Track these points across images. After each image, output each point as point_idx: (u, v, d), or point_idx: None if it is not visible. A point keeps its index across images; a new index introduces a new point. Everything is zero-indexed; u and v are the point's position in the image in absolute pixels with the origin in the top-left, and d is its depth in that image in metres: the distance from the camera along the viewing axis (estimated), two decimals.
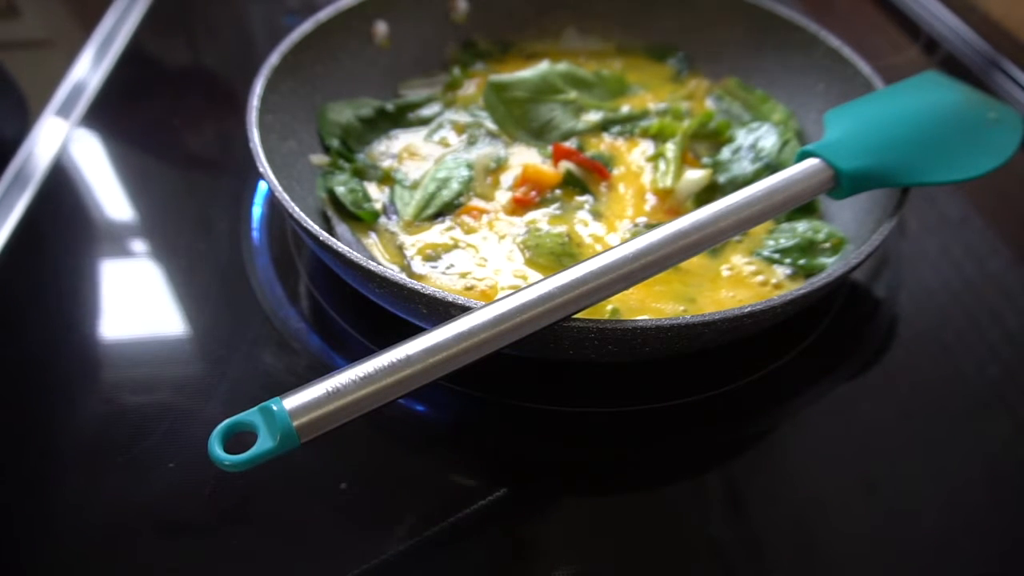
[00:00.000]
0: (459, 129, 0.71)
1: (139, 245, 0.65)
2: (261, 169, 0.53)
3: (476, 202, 0.64)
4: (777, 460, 0.52)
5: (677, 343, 0.47)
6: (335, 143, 0.67)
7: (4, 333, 0.56)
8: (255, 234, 0.64)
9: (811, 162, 0.52)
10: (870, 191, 0.54)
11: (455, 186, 0.64)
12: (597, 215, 0.63)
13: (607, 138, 0.71)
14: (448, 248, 0.60)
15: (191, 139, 0.78)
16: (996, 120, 0.59)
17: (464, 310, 0.43)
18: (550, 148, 0.68)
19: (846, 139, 0.55)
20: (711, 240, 0.47)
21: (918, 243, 0.67)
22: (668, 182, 0.64)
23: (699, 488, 0.49)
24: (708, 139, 0.70)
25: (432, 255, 0.59)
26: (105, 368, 0.55)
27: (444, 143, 0.70)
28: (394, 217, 0.62)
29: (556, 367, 0.54)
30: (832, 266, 0.58)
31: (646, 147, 0.70)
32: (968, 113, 0.59)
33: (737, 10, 0.77)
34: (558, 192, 0.64)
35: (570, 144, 0.69)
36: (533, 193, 0.64)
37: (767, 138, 0.67)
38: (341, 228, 0.61)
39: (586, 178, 0.65)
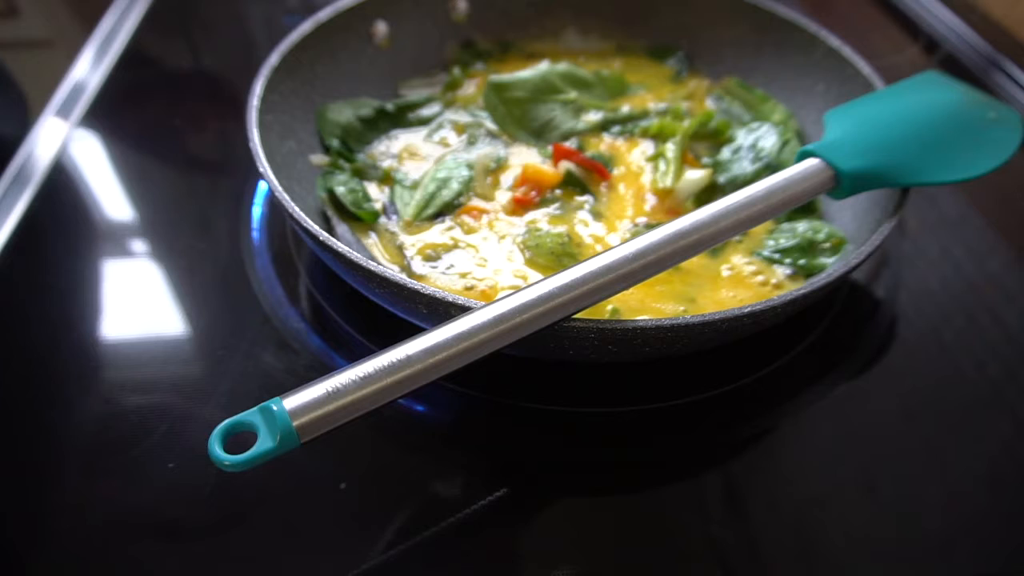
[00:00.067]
0: (459, 129, 0.71)
1: (139, 245, 0.65)
2: (261, 169, 0.53)
3: (476, 202, 0.64)
4: (777, 460, 0.52)
5: (677, 343, 0.47)
6: (335, 143, 0.67)
7: (4, 333, 0.56)
8: (255, 234, 0.64)
9: (811, 162, 0.52)
10: (870, 191, 0.54)
11: (455, 186, 0.64)
12: (597, 215, 0.63)
13: (607, 138, 0.71)
14: (448, 248, 0.60)
15: (191, 139, 0.78)
16: (996, 120, 0.59)
17: (464, 310, 0.43)
18: (550, 148, 0.68)
19: (846, 139, 0.55)
20: (711, 240, 0.47)
21: (918, 243, 0.67)
22: (668, 182, 0.64)
23: (699, 488, 0.49)
24: (708, 139, 0.70)
25: (432, 255, 0.59)
26: (105, 368, 0.55)
27: (444, 143, 0.70)
28: (394, 217, 0.62)
29: (556, 367, 0.54)
30: (832, 266, 0.58)
31: (646, 147, 0.70)
32: (968, 113, 0.59)
33: (737, 10, 0.77)
34: (558, 192, 0.64)
35: (570, 144, 0.69)
36: (533, 193, 0.64)
37: (767, 138, 0.67)
38: (341, 228, 0.61)
39: (586, 178, 0.65)
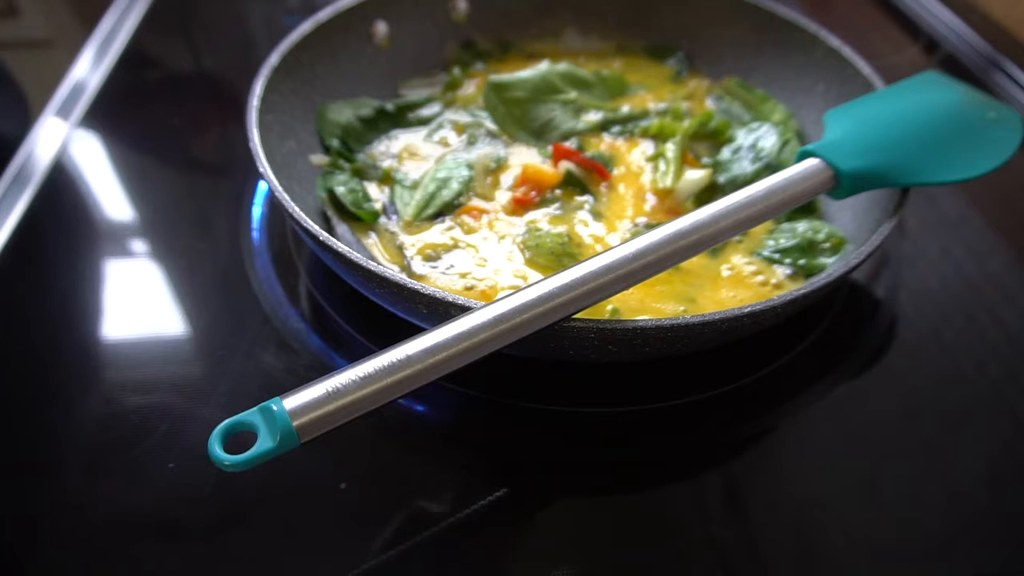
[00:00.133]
0: (459, 129, 0.71)
1: (139, 245, 0.65)
2: (261, 169, 0.53)
3: (476, 202, 0.64)
4: (777, 460, 0.52)
5: (677, 343, 0.47)
6: (335, 143, 0.67)
7: (4, 333, 0.56)
8: (255, 234, 0.64)
9: (811, 162, 0.52)
10: (870, 191, 0.54)
11: (455, 186, 0.64)
12: (597, 215, 0.63)
13: (607, 138, 0.71)
14: (448, 248, 0.60)
15: (191, 139, 0.78)
16: (996, 120, 0.59)
17: (464, 310, 0.43)
18: (550, 148, 0.68)
19: (846, 139, 0.55)
20: (711, 240, 0.47)
21: (918, 243, 0.67)
22: (668, 182, 0.64)
23: (699, 488, 0.49)
24: (708, 139, 0.70)
25: (432, 255, 0.59)
26: (105, 368, 0.55)
27: (444, 143, 0.70)
28: (394, 217, 0.62)
29: (556, 367, 0.54)
30: (832, 266, 0.58)
31: (646, 147, 0.70)
32: (968, 113, 0.59)
33: (737, 10, 0.77)
34: (558, 192, 0.64)
35: (570, 144, 0.69)
36: (533, 193, 0.64)
37: (767, 138, 0.67)
38: (341, 228, 0.61)
39: (586, 178, 0.65)
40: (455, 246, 0.60)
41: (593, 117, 0.72)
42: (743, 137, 0.69)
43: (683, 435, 0.52)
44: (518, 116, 0.70)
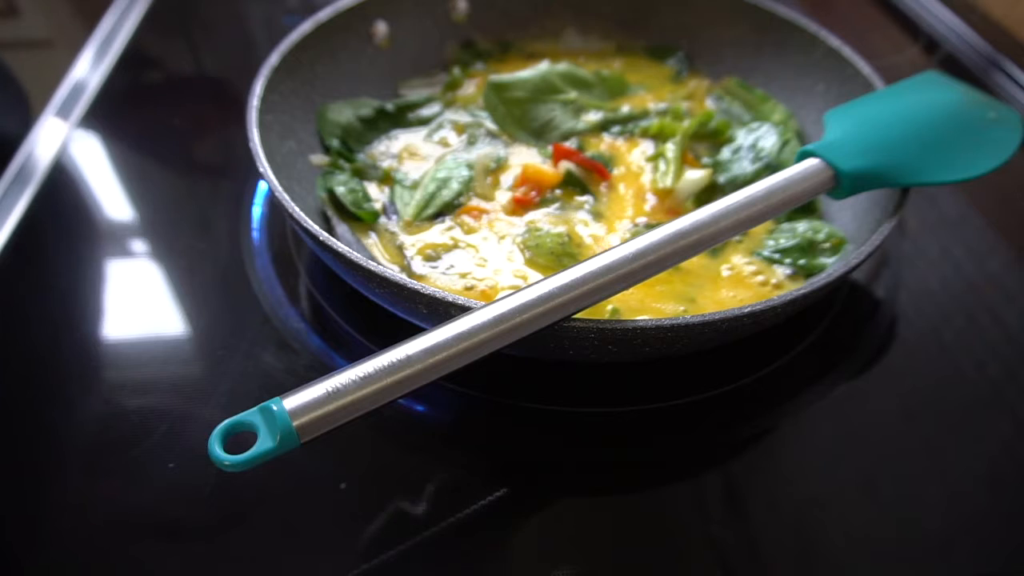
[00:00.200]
0: (459, 129, 0.71)
1: (139, 245, 0.65)
2: (261, 169, 0.53)
3: (476, 202, 0.64)
4: (777, 460, 0.52)
5: (677, 343, 0.47)
6: (335, 143, 0.67)
7: (4, 333, 0.56)
8: (255, 234, 0.64)
9: (811, 162, 0.52)
10: (870, 191, 0.54)
11: (455, 186, 0.64)
12: (597, 215, 0.63)
13: (607, 138, 0.71)
14: (448, 248, 0.60)
15: (191, 139, 0.78)
16: (996, 120, 0.59)
17: (464, 310, 0.43)
18: (550, 148, 0.68)
19: (846, 139, 0.55)
20: (711, 240, 0.47)
21: (918, 243, 0.67)
22: (668, 182, 0.64)
23: (699, 488, 0.49)
24: (708, 139, 0.70)
25: (432, 255, 0.59)
26: (105, 368, 0.55)
27: (444, 143, 0.70)
28: (394, 217, 0.62)
29: (556, 367, 0.54)
30: (832, 266, 0.58)
31: (646, 147, 0.70)
32: (968, 113, 0.59)
33: (737, 10, 0.77)
34: (558, 192, 0.64)
35: (570, 144, 0.69)
36: (533, 193, 0.64)
37: (767, 138, 0.67)
38: (341, 228, 0.61)
39: (586, 178, 0.65)
40: (455, 246, 0.60)
41: (593, 117, 0.72)
42: (743, 137, 0.69)
43: (683, 435, 0.52)
44: (518, 116, 0.70)
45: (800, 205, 0.52)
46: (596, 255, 0.45)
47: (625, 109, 0.73)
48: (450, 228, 0.61)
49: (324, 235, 0.48)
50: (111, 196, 0.69)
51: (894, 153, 0.54)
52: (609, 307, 0.54)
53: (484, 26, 0.81)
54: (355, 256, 0.47)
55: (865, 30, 0.98)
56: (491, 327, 0.41)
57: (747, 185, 0.50)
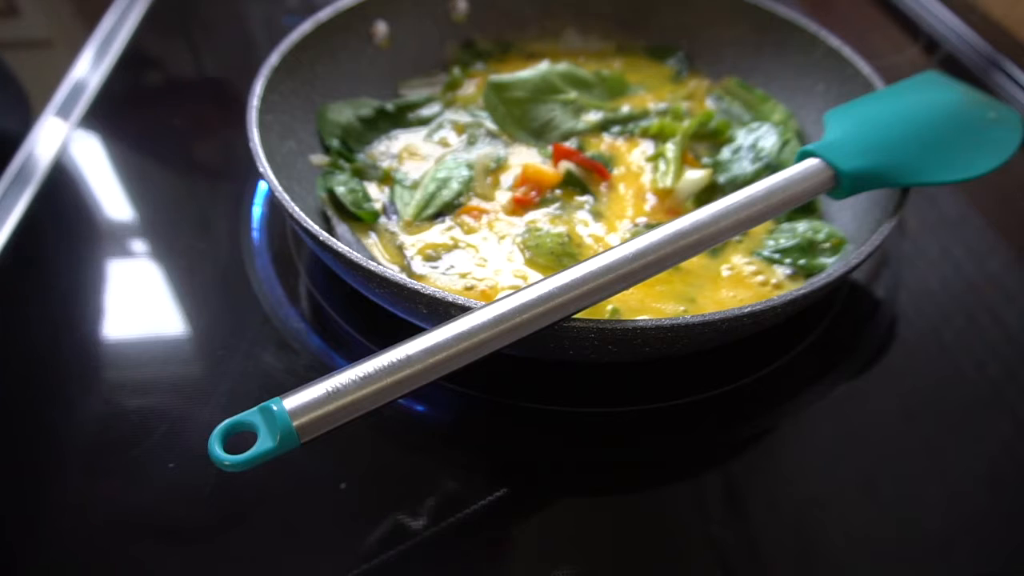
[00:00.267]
0: (459, 129, 0.71)
1: (139, 245, 0.65)
2: (261, 169, 0.53)
3: (476, 202, 0.64)
4: (777, 460, 0.52)
5: (677, 343, 0.47)
6: (335, 143, 0.67)
7: (4, 333, 0.56)
8: (255, 234, 0.64)
9: (811, 162, 0.52)
10: (870, 191, 0.54)
11: (455, 186, 0.64)
12: (597, 215, 0.63)
13: (607, 138, 0.71)
14: (448, 248, 0.60)
15: (191, 139, 0.78)
16: (996, 120, 0.59)
17: (464, 310, 0.43)
18: (550, 148, 0.68)
19: (846, 139, 0.55)
20: (711, 240, 0.47)
21: (918, 243, 0.67)
22: (668, 182, 0.64)
23: (699, 488, 0.49)
24: (708, 139, 0.70)
25: (432, 255, 0.59)
26: (105, 368, 0.55)
27: (444, 143, 0.70)
28: (394, 217, 0.62)
29: (556, 367, 0.54)
30: (832, 266, 0.58)
31: (646, 147, 0.70)
32: (968, 113, 0.59)
33: (737, 10, 0.77)
34: (558, 192, 0.64)
35: (570, 144, 0.69)
36: (533, 193, 0.64)
37: (767, 138, 0.67)
38: (341, 228, 0.61)
39: (586, 178, 0.65)
40: (455, 246, 0.60)
41: (593, 117, 0.72)
42: (743, 137, 0.69)
43: (683, 435, 0.52)
44: (518, 116, 0.70)
45: (800, 205, 0.52)
46: (596, 255, 0.45)
47: (625, 109, 0.73)
48: (450, 228, 0.61)
49: (324, 235, 0.48)
50: (111, 196, 0.69)
51: (894, 153, 0.54)
52: (609, 307, 0.54)
53: (484, 26, 0.81)
54: (355, 256, 0.47)
55: (865, 30, 0.98)
56: (491, 327, 0.41)
57: (747, 185, 0.50)
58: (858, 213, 0.60)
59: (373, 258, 0.59)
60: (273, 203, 0.67)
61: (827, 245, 0.59)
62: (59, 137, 0.73)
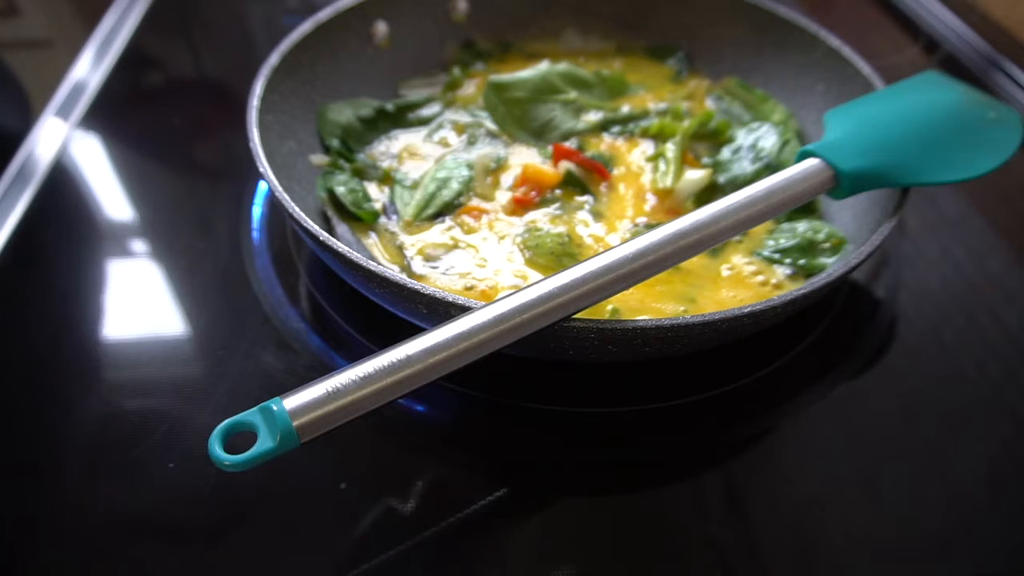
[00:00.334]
0: (459, 129, 0.71)
1: (139, 245, 0.65)
2: (261, 169, 0.53)
3: (476, 202, 0.64)
4: (777, 460, 0.52)
5: (677, 343, 0.47)
6: (335, 143, 0.67)
7: (4, 333, 0.56)
8: (255, 234, 0.64)
9: (811, 162, 0.52)
10: (870, 191, 0.54)
11: (455, 186, 0.64)
12: (597, 215, 0.63)
13: (607, 138, 0.71)
14: (448, 248, 0.60)
15: (191, 139, 0.78)
16: (996, 120, 0.59)
17: (464, 310, 0.43)
18: (550, 148, 0.68)
19: (846, 139, 0.55)
20: (711, 240, 0.47)
21: (918, 243, 0.67)
22: (668, 182, 0.64)
23: (699, 488, 0.49)
24: (708, 139, 0.70)
25: (432, 255, 0.59)
26: (105, 368, 0.55)
27: (444, 143, 0.70)
28: (394, 217, 0.62)
29: (556, 367, 0.54)
30: (832, 266, 0.58)
31: (646, 147, 0.70)
32: (968, 113, 0.59)
33: (737, 10, 0.77)
34: (558, 192, 0.64)
35: (570, 144, 0.69)
36: (533, 193, 0.64)
37: (767, 138, 0.67)
38: (341, 228, 0.61)
39: (586, 178, 0.65)
40: (455, 246, 0.60)
41: (593, 117, 0.72)
42: (743, 137, 0.69)
43: (683, 435, 0.52)
44: (518, 116, 0.70)
45: (800, 205, 0.52)
46: (596, 255, 0.45)
47: (625, 109, 0.73)
48: (450, 228, 0.61)
49: (324, 235, 0.48)
50: (111, 196, 0.69)
51: (894, 153, 0.54)
52: (609, 307, 0.54)
53: (484, 26, 0.81)
54: (355, 256, 0.47)
55: (865, 30, 0.98)
56: (491, 327, 0.41)
57: (747, 185, 0.50)
58: (858, 213, 0.60)
59: (373, 258, 0.59)
60: (273, 203, 0.67)
61: (827, 245, 0.59)
62: (59, 137, 0.73)
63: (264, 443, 0.37)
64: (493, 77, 0.70)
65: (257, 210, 0.66)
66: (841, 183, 0.52)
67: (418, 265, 0.58)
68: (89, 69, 0.82)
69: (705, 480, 0.50)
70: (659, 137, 0.70)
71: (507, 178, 0.66)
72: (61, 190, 0.68)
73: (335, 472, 0.48)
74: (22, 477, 0.48)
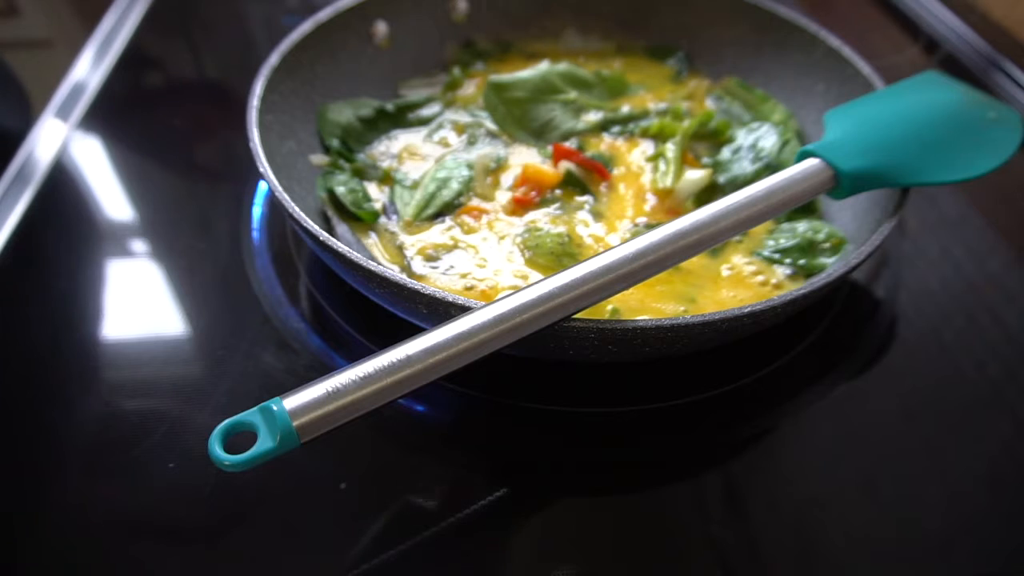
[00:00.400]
0: (459, 129, 0.71)
1: (139, 245, 0.65)
2: (261, 169, 0.53)
3: (476, 202, 0.64)
4: (777, 460, 0.52)
5: (677, 343, 0.47)
6: (335, 143, 0.67)
7: (4, 333, 0.56)
8: (255, 234, 0.64)
9: (811, 162, 0.52)
10: (870, 191, 0.54)
11: (455, 186, 0.64)
12: (597, 215, 0.63)
13: (607, 138, 0.71)
14: (448, 248, 0.60)
15: (191, 139, 0.78)
16: (996, 120, 0.59)
17: (464, 310, 0.43)
18: (550, 148, 0.68)
19: (846, 139, 0.55)
20: (711, 240, 0.47)
21: (918, 243, 0.67)
22: (668, 182, 0.64)
23: (699, 488, 0.49)
24: (708, 139, 0.70)
25: (432, 255, 0.59)
26: (105, 368, 0.55)
27: (444, 143, 0.70)
28: (394, 217, 0.62)
29: (556, 367, 0.54)
30: (832, 266, 0.58)
31: (646, 147, 0.70)
32: (968, 113, 0.59)
33: (737, 10, 0.77)
34: (558, 192, 0.64)
35: (570, 144, 0.69)
36: (533, 193, 0.64)
37: (767, 138, 0.67)
38: (341, 228, 0.61)
39: (586, 178, 0.65)
40: (455, 246, 0.60)
41: (593, 117, 0.72)
42: (743, 137, 0.69)
43: (683, 435, 0.52)
44: (518, 116, 0.70)
45: (800, 205, 0.52)
46: (596, 255, 0.45)
47: (625, 109, 0.73)
48: (450, 228, 0.61)
49: (324, 235, 0.48)
50: (111, 196, 0.69)
51: (894, 153, 0.54)
52: (609, 307, 0.54)
53: (484, 26, 0.81)
54: (355, 256, 0.47)
55: (865, 30, 0.98)
56: (491, 327, 0.41)
57: (747, 185, 0.50)
58: (858, 213, 0.60)
59: (373, 258, 0.59)
60: (273, 203, 0.67)
61: (827, 245, 0.59)
62: (59, 137, 0.73)
63: (264, 443, 0.37)
64: (493, 77, 0.70)
65: (257, 210, 0.66)
66: (841, 183, 0.52)
67: (418, 265, 0.58)
68: (89, 69, 0.82)
69: (705, 480, 0.50)
70: (659, 137, 0.70)
71: (507, 178, 0.66)
72: (61, 190, 0.68)
73: (335, 472, 0.48)
74: (22, 477, 0.48)
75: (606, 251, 0.45)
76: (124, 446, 0.49)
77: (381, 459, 0.50)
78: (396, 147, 0.69)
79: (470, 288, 0.56)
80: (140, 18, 0.90)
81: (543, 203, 0.64)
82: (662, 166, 0.66)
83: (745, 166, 0.66)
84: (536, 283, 0.43)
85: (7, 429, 0.50)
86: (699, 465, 0.51)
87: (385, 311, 0.53)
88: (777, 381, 0.55)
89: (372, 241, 0.61)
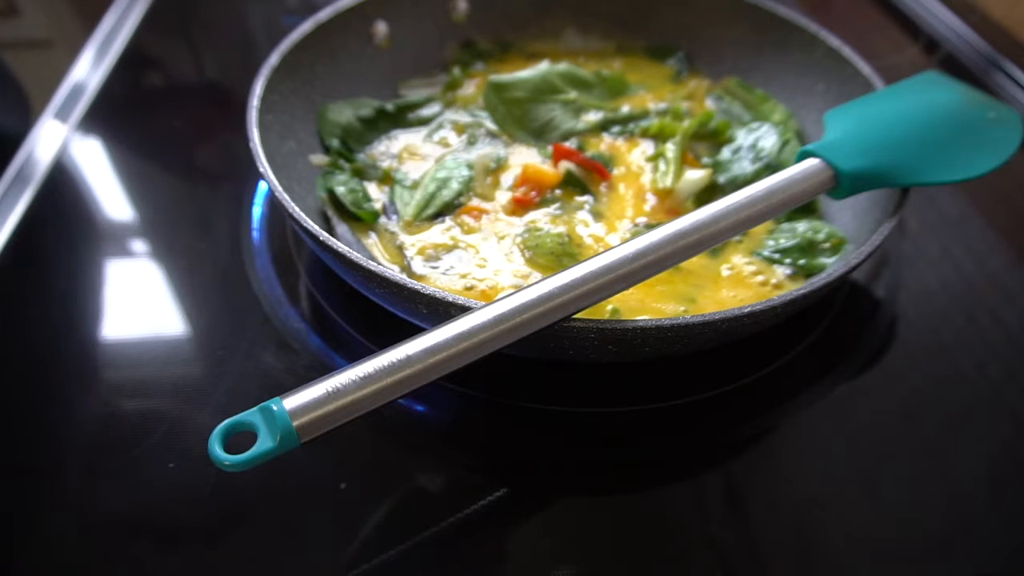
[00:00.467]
0: (459, 129, 0.71)
1: (139, 245, 0.65)
2: (261, 169, 0.53)
3: (476, 202, 0.64)
4: (777, 460, 0.52)
5: (677, 343, 0.47)
6: (335, 143, 0.67)
7: (4, 333, 0.56)
8: (255, 234, 0.64)
9: (811, 162, 0.52)
10: (870, 191, 0.54)
11: (455, 186, 0.64)
12: (597, 215, 0.63)
13: (607, 138, 0.71)
14: (448, 248, 0.60)
15: (191, 139, 0.78)
16: (996, 120, 0.59)
17: (464, 310, 0.43)
18: (550, 148, 0.68)
19: (846, 139, 0.55)
20: (711, 240, 0.47)
21: (918, 243, 0.67)
22: (668, 182, 0.64)
23: (699, 488, 0.49)
24: (708, 139, 0.70)
25: (432, 255, 0.59)
26: (105, 368, 0.55)
27: (444, 143, 0.70)
28: (394, 217, 0.62)
29: (556, 367, 0.54)
30: (832, 266, 0.58)
31: (646, 147, 0.70)
32: (968, 113, 0.59)
33: (737, 10, 0.77)
34: (558, 192, 0.64)
35: (570, 144, 0.69)
36: (533, 193, 0.64)
37: (767, 138, 0.67)
38: (341, 228, 0.61)
39: (586, 178, 0.65)
40: (455, 246, 0.60)
41: (593, 117, 0.72)
42: (743, 137, 0.69)
43: (683, 435, 0.52)
44: (518, 116, 0.70)
45: (800, 205, 0.52)
46: (596, 255, 0.45)
47: (625, 109, 0.73)
48: (450, 228, 0.61)
49: (324, 235, 0.48)
50: (111, 196, 0.69)
51: (894, 153, 0.54)
52: (609, 307, 0.54)
53: (484, 26, 0.81)
54: (355, 256, 0.47)
55: (865, 30, 0.98)
56: (491, 327, 0.41)
57: (747, 185, 0.50)
58: (858, 213, 0.60)
59: (373, 258, 0.59)
60: (273, 203, 0.67)
61: (827, 245, 0.59)
62: (59, 137, 0.73)
63: (264, 443, 0.37)
64: (493, 77, 0.70)
65: (257, 210, 0.66)
66: (841, 183, 0.52)
67: (418, 265, 0.58)
68: (89, 69, 0.82)
69: (705, 480, 0.50)
70: (659, 137, 0.70)
71: (507, 178, 0.66)
72: (61, 190, 0.68)
73: (335, 472, 0.48)
74: (22, 477, 0.48)
75: (606, 251, 0.45)
76: (124, 446, 0.49)
77: (381, 459, 0.50)
78: (396, 147, 0.69)
79: (470, 288, 0.56)
80: (140, 18, 0.90)
81: (543, 203, 0.64)
82: (662, 166, 0.66)
83: (745, 166, 0.66)
84: (536, 283, 0.43)
85: (7, 429, 0.50)
86: (699, 465, 0.51)
87: (385, 311, 0.53)
88: (777, 381, 0.55)
89: (372, 241, 0.61)
